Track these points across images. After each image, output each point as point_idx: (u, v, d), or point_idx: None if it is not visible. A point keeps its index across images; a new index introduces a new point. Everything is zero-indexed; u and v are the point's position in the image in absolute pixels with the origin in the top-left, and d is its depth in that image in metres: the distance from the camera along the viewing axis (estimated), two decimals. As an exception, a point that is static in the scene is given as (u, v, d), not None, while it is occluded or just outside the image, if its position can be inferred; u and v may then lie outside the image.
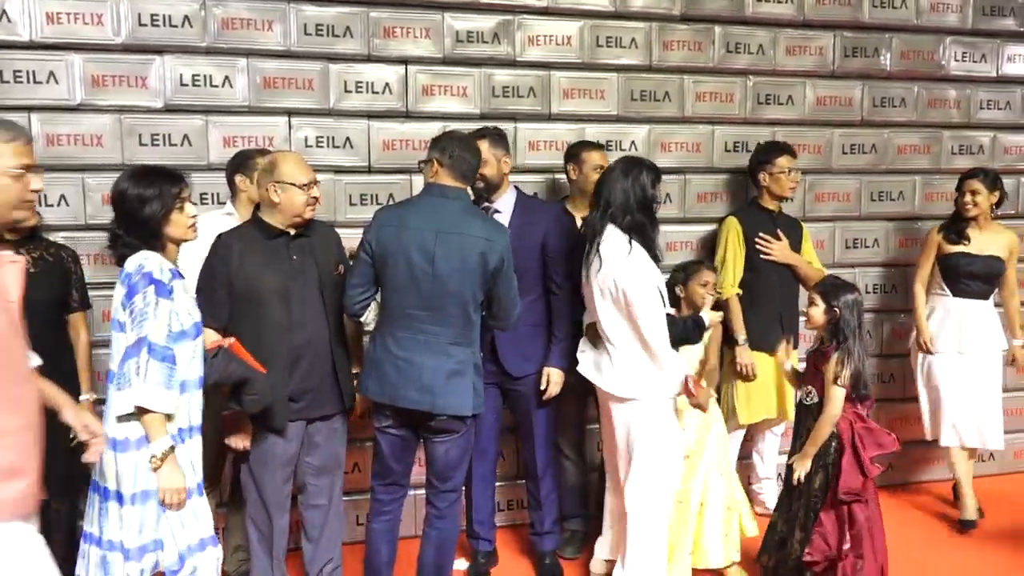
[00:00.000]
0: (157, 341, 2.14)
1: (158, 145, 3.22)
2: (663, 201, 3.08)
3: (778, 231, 3.56)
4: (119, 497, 2.16)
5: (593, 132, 3.68)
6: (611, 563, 3.00)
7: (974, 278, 3.64)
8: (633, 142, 3.75)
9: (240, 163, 2.99)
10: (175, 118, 3.26)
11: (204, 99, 3.28)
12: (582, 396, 3.34)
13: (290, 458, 2.69)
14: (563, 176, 3.56)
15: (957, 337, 3.64)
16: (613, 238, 2.72)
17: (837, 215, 4.09)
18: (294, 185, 2.57)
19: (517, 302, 2.69)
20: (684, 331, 2.87)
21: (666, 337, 2.71)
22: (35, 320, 2.52)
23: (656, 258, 2.77)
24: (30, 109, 3.12)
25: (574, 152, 3.34)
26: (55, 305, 2.72)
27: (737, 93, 3.90)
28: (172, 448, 2.17)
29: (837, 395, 2.73)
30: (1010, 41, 4.24)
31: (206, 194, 3.28)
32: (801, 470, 2.80)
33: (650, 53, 3.76)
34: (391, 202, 3.35)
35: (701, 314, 2.97)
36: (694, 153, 3.85)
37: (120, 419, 2.15)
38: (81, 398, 2.64)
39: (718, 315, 3.11)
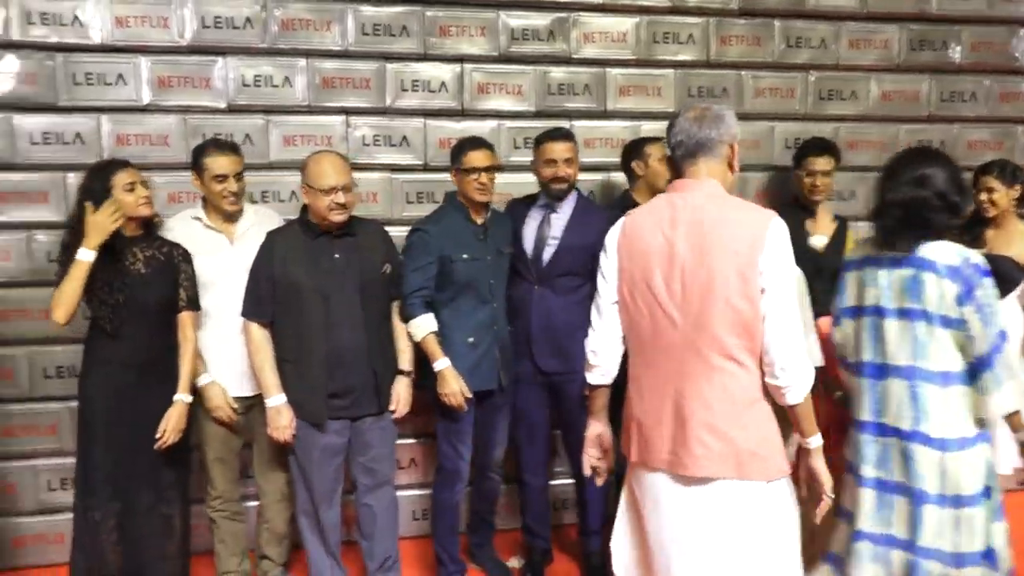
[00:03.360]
0: None
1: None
2: None
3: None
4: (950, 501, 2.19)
5: (649, 129, 3.63)
6: None
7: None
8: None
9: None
10: (237, 118, 3.33)
11: (265, 99, 3.35)
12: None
13: (335, 453, 2.73)
14: (619, 174, 3.54)
15: None
16: None
17: (902, 213, 3.97)
18: (316, 189, 2.60)
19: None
20: None
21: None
22: (148, 321, 2.62)
23: None
24: (100, 110, 3.23)
25: (636, 148, 3.32)
26: (165, 305, 2.68)
27: (798, 88, 3.81)
28: None
29: None
30: (1089, 31, 4.06)
31: (267, 192, 3.35)
32: None
33: (707, 49, 3.71)
34: (444, 201, 3.36)
35: None
36: (752, 150, 3.77)
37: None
38: (175, 398, 2.66)
39: None
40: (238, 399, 2.86)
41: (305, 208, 2.72)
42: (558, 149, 2.97)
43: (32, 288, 3.19)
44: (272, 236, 2.70)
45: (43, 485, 3.29)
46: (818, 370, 2.20)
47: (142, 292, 2.61)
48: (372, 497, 2.83)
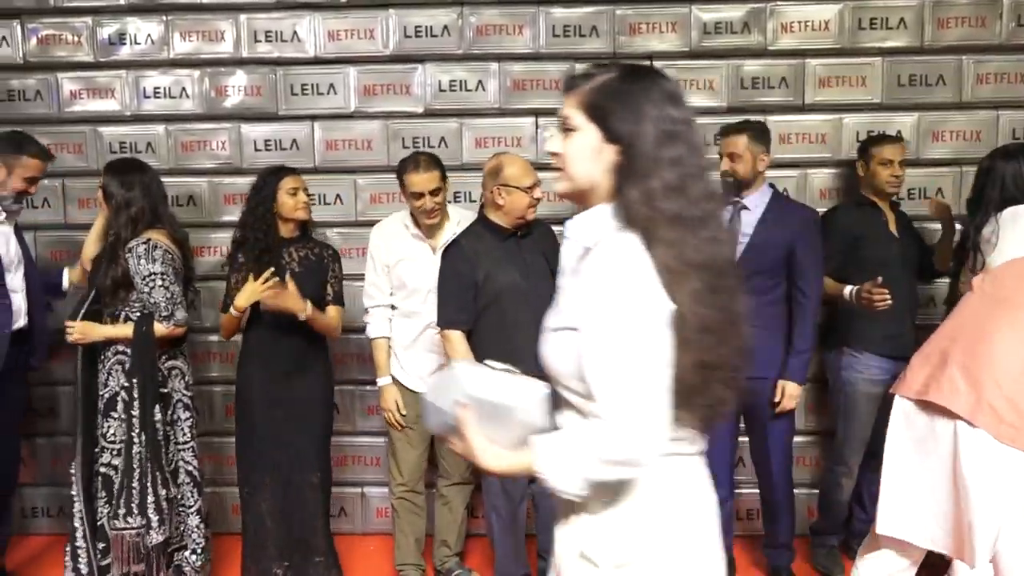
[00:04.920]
0: None
1: (418, 147, 3.45)
2: None
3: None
4: None
5: (852, 122, 3.42)
6: None
7: None
8: (899, 131, 3.42)
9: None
10: (433, 122, 3.50)
11: (459, 103, 3.48)
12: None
13: None
14: (816, 171, 3.38)
15: None
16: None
17: None
18: (518, 188, 2.67)
19: None
20: None
21: None
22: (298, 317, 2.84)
23: None
24: (313, 118, 3.51)
25: (863, 146, 3.18)
26: (315, 301, 2.84)
27: (1029, 72, 3.42)
28: None
29: None
30: None
31: (459, 193, 3.48)
32: None
33: (921, 33, 3.41)
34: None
35: None
36: (973, 142, 3.43)
37: None
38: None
39: None
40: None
41: (482, 210, 2.81)
42: (732, 143, 2.93)
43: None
44: (463, 242, 2.74)
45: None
46: None
47: (296, 289, 2.81)
48: None
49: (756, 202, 2.94)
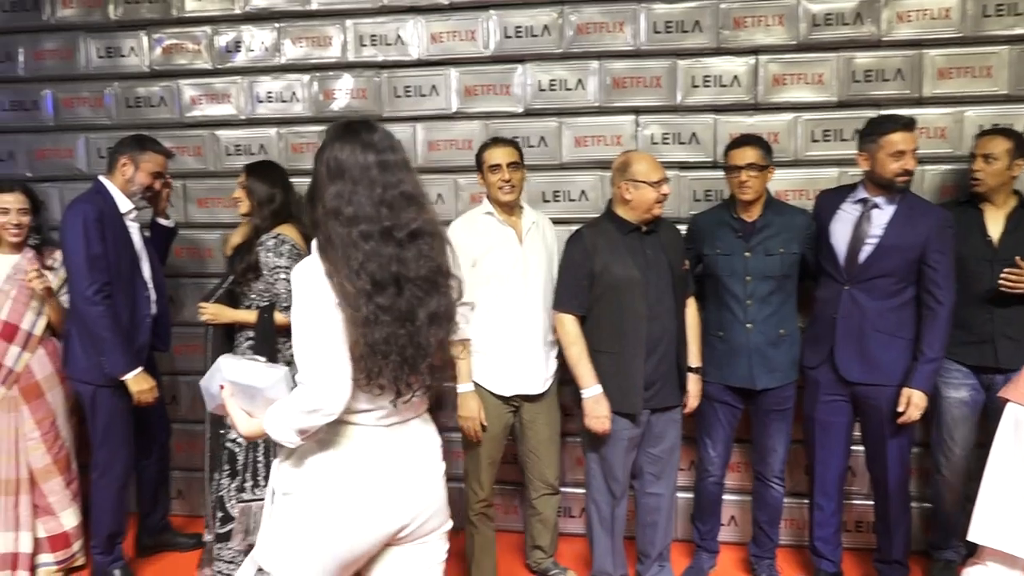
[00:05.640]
0: None
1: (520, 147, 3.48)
2: None
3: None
4: None
5: (975, 115, 3.22)
6: None
7: None
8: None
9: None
10: (533, 121, 3.51)
11: (558, 102, 3.48)
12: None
13: (635, 444, 2.81)
14: (935, 167, 3.20)
15: None
16: None
17: None
18: (646, 183, 2.69)
19: None
20: None
21: None
22: None
23: None
24: (416, 119, 3.59)
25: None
26: None
27: None
28: None
29: None
30: None
31: (558, 192, 3.48)
32: None
33: (1055, 18, 3.19)
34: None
35: None
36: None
37: None
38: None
39: None
40: (510, 398, 2.93)
41: (610, 205, 2.84)
42: (908, 139, 2.74)
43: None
44: (584, 232, 2.82)
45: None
46: None
47: None
48: (659, 486, 2.89)
49: (887, 202, 2.81)
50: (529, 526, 3.17)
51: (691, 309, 2.93)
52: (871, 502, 3.12)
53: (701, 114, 3.41)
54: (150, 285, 3.16)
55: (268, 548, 1.73)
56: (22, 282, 3.07)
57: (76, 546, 3.25)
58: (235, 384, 1.74)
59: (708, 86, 3.40)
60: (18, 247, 3.13)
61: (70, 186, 3.78)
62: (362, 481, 1.66)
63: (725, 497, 3.26)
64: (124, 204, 3.07)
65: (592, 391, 2.74)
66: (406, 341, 1.61)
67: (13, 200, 3.07)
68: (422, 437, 1.76)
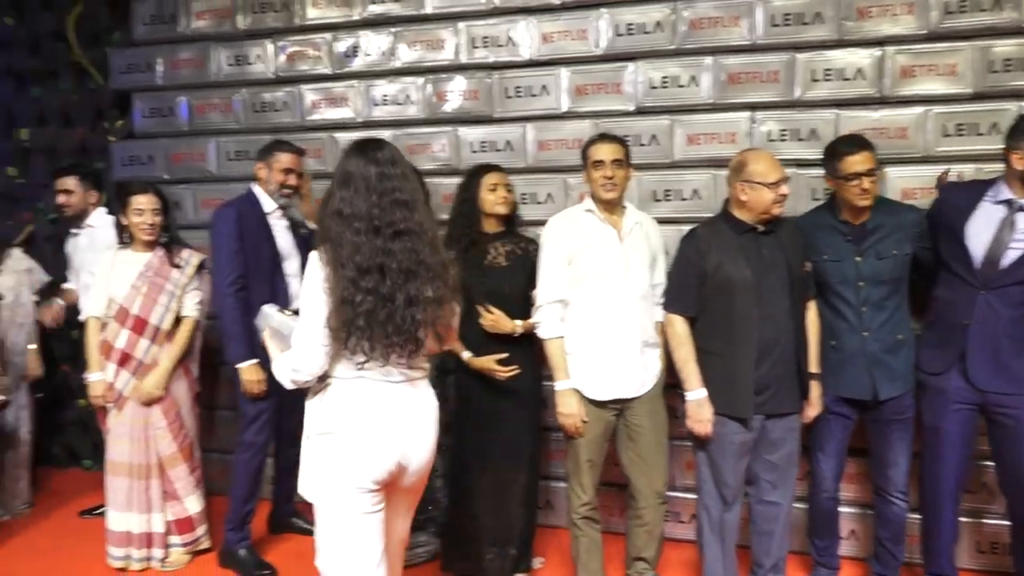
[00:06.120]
0: None
1: (628, 145, 3.44)
2: None
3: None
4: None
5: None
6: None
7: None
8: None
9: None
10: (644, 120, 3.46)
11: (671, 100, 3.43)
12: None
13: (747, 449, 2.73)
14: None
15: None
16: None
17: None
18: (763, 184, 2.62)
19: None
20: None
21: None
22: (508, 309, 2.93)
23: None
24: (526, 119, 3.61)
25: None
26: (522, 296, 2.94)
27: None
28: None
29: None
30: None
31: (669, 191, 3.43)
32: None
33: None
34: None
35: None
36: None
37: None
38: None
39: None
40: (611, 402, 2.84)
41: (726, 204, 2.77)
42: None
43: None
44: (699, 231, 2.78)
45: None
46: None
47: (501, 283, 2.94)
48: (777, 494, 2.79)
49: None
50: (633, 536, 2.99)
51: (811, 312, 2.80)
52: (1007, 521, 2.91)
53: (821, 109, 3.28)
54: (295, 279, 3.29)
55: (305, 479, 2.10)
56: (153, 278, 3.28)
57: (200, 530, 3.44)
58: (272, 328, 2.24)
59: (829, 80, 3.26)
60: (150, 245, 3.34)
61: (203, 188, 4.02)
62: (368, 421, 2.04)
63: (843, 510, 3.11)
64: (268, 204, 3.29)
65: (696, 394, 2.69)
66: (385, 318, 1.96)
67: (147, 201, 3.28)
68: (418, 395, 2.13)
